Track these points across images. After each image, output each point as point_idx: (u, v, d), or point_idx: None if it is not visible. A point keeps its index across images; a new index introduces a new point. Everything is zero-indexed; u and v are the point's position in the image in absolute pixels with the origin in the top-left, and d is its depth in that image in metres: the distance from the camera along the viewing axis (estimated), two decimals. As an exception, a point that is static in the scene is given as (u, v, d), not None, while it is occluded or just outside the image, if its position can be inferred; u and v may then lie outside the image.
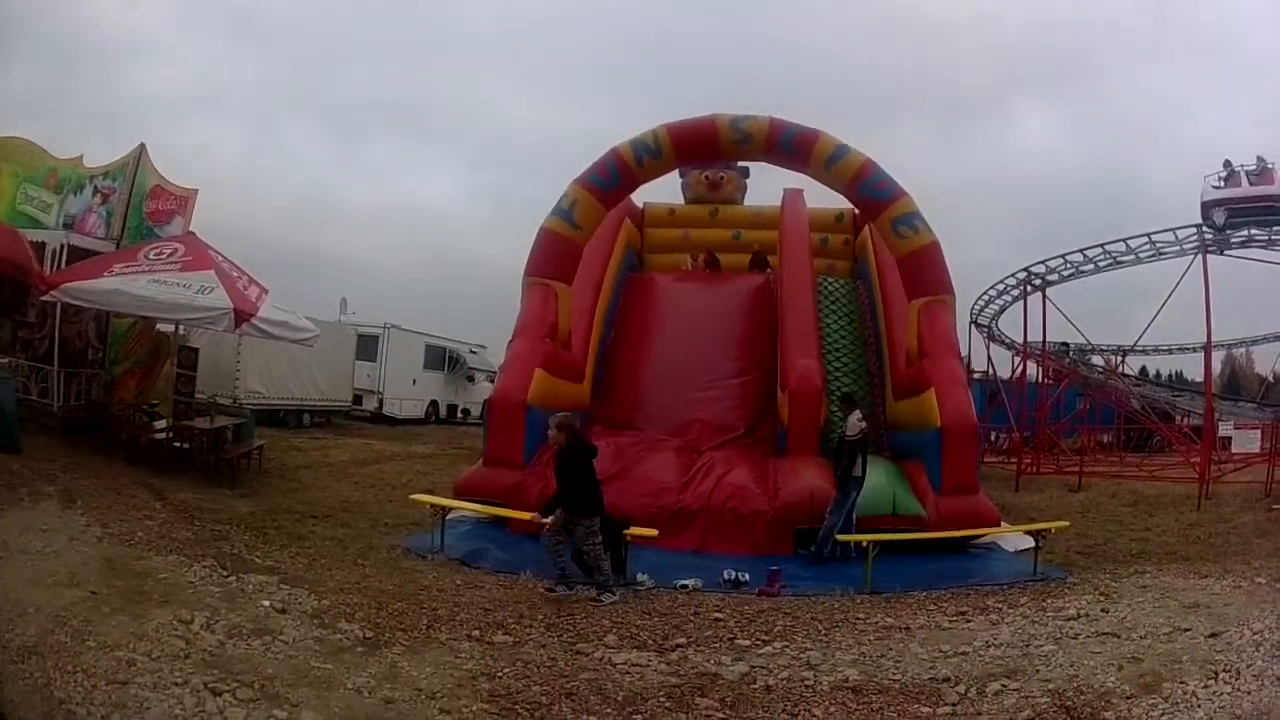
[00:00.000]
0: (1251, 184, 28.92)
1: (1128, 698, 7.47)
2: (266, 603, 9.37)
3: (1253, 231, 28.94)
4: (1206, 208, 29.88)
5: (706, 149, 20.65)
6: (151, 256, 17.00)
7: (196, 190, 21.29)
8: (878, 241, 22.80)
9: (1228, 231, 29.48)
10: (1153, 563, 14.65)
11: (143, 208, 20.61)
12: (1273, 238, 29.08)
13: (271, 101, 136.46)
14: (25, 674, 6.61)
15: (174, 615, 8.23)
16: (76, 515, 11.95)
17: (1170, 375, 51.17)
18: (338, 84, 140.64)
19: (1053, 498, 24.34)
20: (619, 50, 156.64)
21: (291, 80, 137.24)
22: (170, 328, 19.65)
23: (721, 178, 27.67)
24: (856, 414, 15.64)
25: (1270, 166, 28.74)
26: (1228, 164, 29.88)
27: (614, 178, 20.14)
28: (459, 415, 46.00)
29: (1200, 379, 46.79)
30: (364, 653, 8.39)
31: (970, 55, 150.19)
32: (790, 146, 19.63)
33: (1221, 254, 26.91)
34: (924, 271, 18.98)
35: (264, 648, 8.00)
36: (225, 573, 10.31)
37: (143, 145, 20.57)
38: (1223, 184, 29.90)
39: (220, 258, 17.67)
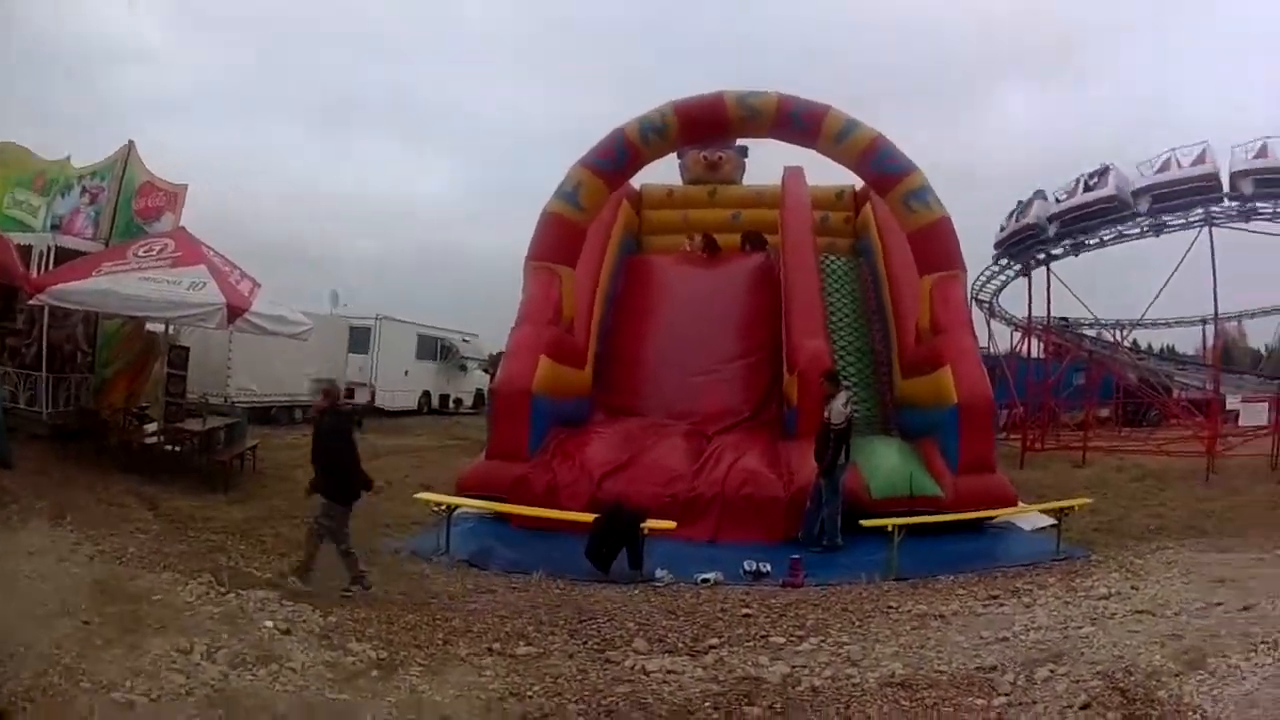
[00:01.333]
0: (1087, 190, 29.51)
1: (1176, 675, 7.44)
2: (269, 623, 8.96)
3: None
4: (1049, 222, 30.84)
5: (715, 126, 20.49)
6: (141, 254, 16.67)
7: (186, 186, 21.00)
8: (881, 218, 22.90)
9: (1068, 240, 30.62)
10: (1172, 538, 14.70)
11: (131, 205, 20.26)
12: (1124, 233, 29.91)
13: (255, 98, 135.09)
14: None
15: (172, 644, 7.84)
16: (67, 532, 11.53)
17: (1162, 349, 51.07)
18: (320, 80, 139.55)
19: (1058, 474, 24.22)
20: (592, 36, 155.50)
21: (273, 77, 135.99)
22: (160, 327, 19.24)
23: (720, 157, 27.54)
24: (843, 398, 15.52)
25: (1108, 168, 29.19)
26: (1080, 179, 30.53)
27: (619, 158, 19.98)
28: (451, 405, 45.28)
29: (1191, 352, 47.13)
30: (379, 677, 8.05)
31: (949, 40, 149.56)
32: (799, 122, 19.48)
33: (1225, 227, 26.84)
34: (936, 247, 18.86)
35: (271, 678, 7.62)
36: (223, 589, 9.88)
37: (131, 143, 20.01)
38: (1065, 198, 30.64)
39: (211, 252, 17.36)
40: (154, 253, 16.71)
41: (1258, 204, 26.45)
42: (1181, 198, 27.41)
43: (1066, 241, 30.49)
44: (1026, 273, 33.47)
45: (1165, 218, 28.44)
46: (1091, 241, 30.51)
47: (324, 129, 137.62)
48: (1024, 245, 32.07)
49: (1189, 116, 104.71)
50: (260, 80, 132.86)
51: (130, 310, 16.87)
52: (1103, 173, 28.83)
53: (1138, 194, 28.11)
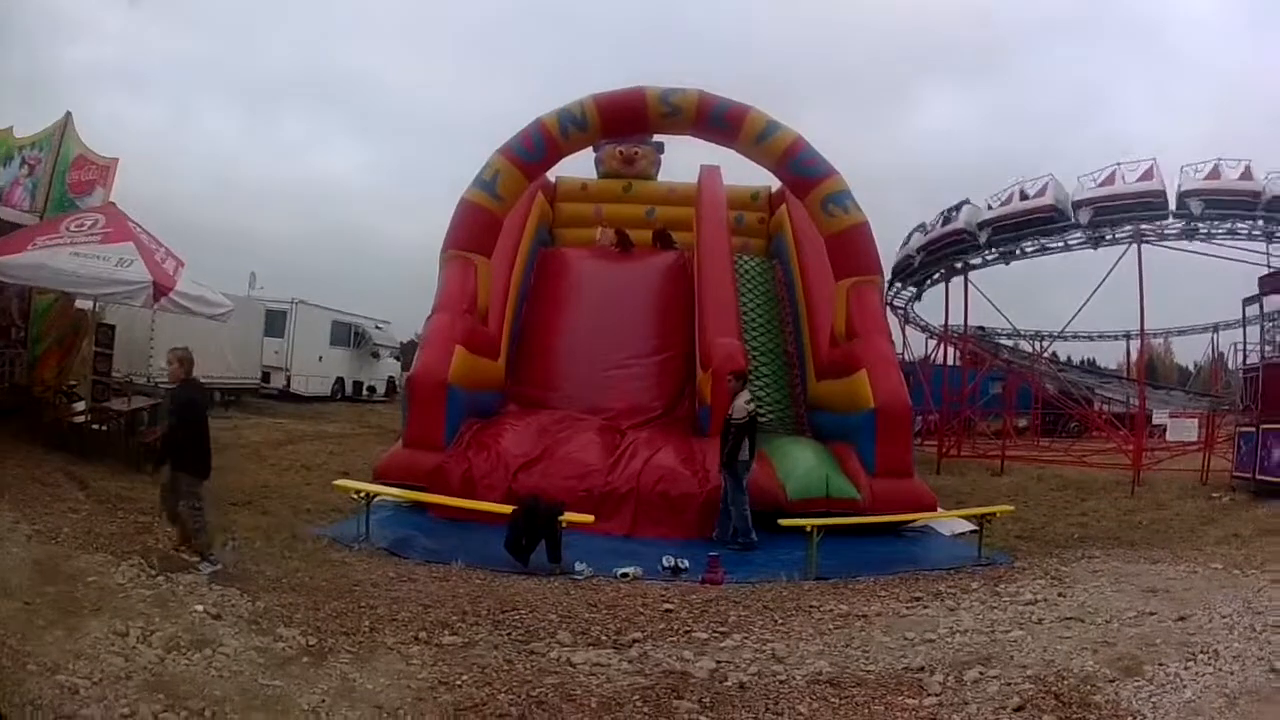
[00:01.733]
0: (945, 222, 31.83)
1: (1111, 681, 7.47)
2: (200, 607, 8.91)
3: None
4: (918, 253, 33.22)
5: (634, 122, 20.40)
6: (73, 228, 16.28)
7: (117, 160, 20.32)
8: (796, 220, 23.05)
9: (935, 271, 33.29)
10: (1098, 547, 14.75)
11: (65, 178, 19.53)
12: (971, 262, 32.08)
13: (179, 75, 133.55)
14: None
15: (109, 627, 7.86)
16: (4, 511, 11.57)
17: (1083, 361, 51.90)
18: (243, 58, 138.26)
19: (976, 482, 24.47)
20: (516, 30, 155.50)
21: (196, 54, 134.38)
22: (88, 304, 19.02)
23: (636, 152, 27.52)
24: (745, 395, 15.45)
25: (964, 202, 31.27)
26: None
27: (539, 149, 19.77)
28: (364, 392, 45.16)
29: (1113, 366, 48.23)
30: (310, 664, 7.96)
31: (875, 40, 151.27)
32: (720, 121, 19.44)
33: (1156, 244, 27.27)
34: (853, 251, 18.88)
35: (205, 663, 7.57)
36: (154, 571, 9.87)
37: (68, 114, 19.54)
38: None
39: (138, 229, 16.96)
40: (85, 228, 16.39)
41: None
42: (1023, 229, 29.53)
43: (935, 272, 33.39)
44: (919, 297, 36.04)
45: (1012, 247, 30.67)
46: (958, 266, 32.34)
47: (250, 108, 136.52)
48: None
49: (1116, 121, 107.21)
50: (190, 56, 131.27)
51: (62, 285, 16.67)
52: (958, 206, 31.23)
53: (982, 226, 30.16)
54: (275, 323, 37.41)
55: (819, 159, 19.22)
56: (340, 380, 43.08)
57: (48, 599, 8.42)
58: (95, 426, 18.03)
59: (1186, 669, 7.60)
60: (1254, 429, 20.58)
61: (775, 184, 24.12)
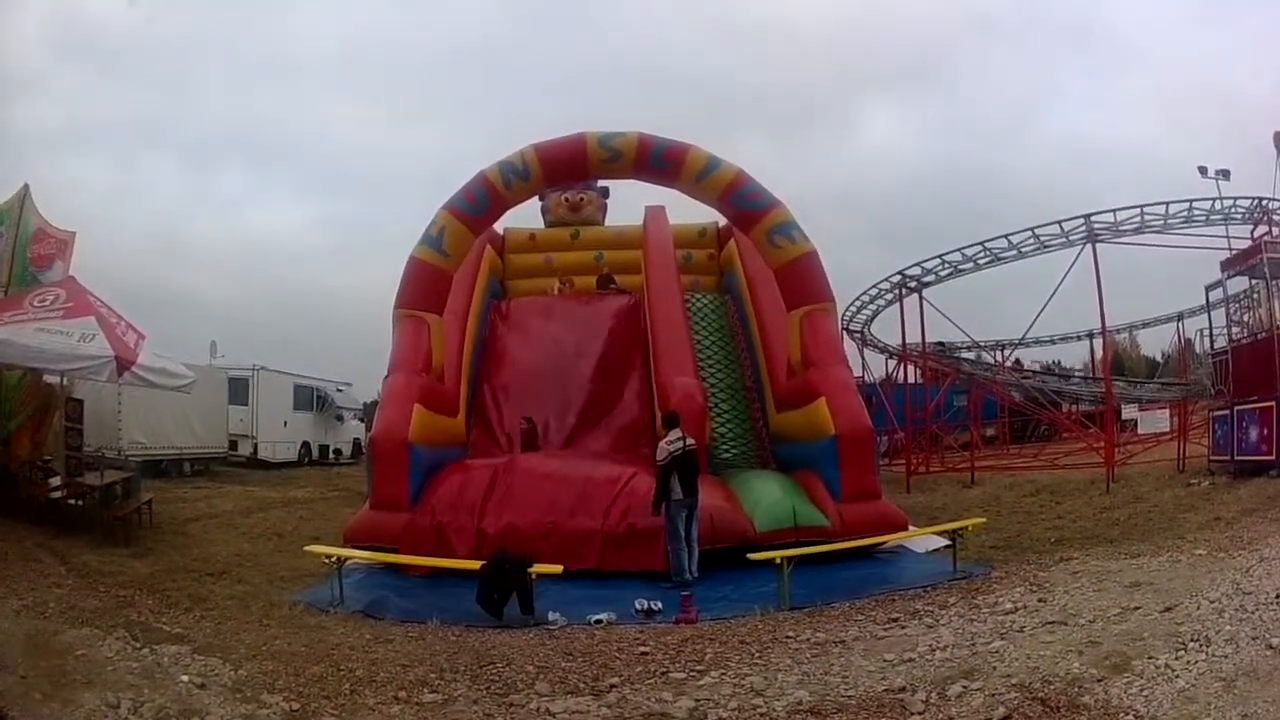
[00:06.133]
0: None
1: (1099, 680, 7.42)
2: (185, 678, 8.83)
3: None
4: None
5: (576, 168, 20.29)
6: (36, 304, 16.43)
7: (74, 233, 20.35)
8: (745, 254, 23.04)
9: None
10: (1076, 548, 14.77)
11: (27, 252, 19.37)
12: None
13: (123, 136, 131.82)
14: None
15: (101, 699, 7.75)
16: None
17: (1046, 365, 52.06)
18: (187, 114, 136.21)
19: (948, 495, 24.53)
20: (452, 70, 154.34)
21: (140, 113, 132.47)
22: (56, 379, 18.82)
23: (581, 199, 27.61)
24: (670, 435, 15.32)
25: None
26: None
27: (482, 202, 19.63)
28: (331, 456, 45.20)
29: (1077, 367, 48.23)
30: None
31: (810, 57, 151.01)
32: (660, 162, 19.43)
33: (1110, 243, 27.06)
34: (803, 280, 18.88)
35: None
36: (138, 644, 9.79)
37: (26, 186, 19.19)
38: None
39: (99, 303, 16.99)
40: (47, 303, 16.59)
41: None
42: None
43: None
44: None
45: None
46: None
47: (188, 166, 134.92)
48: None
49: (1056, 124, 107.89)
50: (119, 113, 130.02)
51: (30, 361, 16.63)
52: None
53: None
54: (238, 390, 37.53)
55: (762, 192, 19.25)
56: (306, 444, 43.12)
57: (41, 672, 8.33)
58: (71, 501, 17.96)
59: (1177, 659, 7.56)
60: (1228, 411, 20.75)
61: (722, 219, 24.03)
